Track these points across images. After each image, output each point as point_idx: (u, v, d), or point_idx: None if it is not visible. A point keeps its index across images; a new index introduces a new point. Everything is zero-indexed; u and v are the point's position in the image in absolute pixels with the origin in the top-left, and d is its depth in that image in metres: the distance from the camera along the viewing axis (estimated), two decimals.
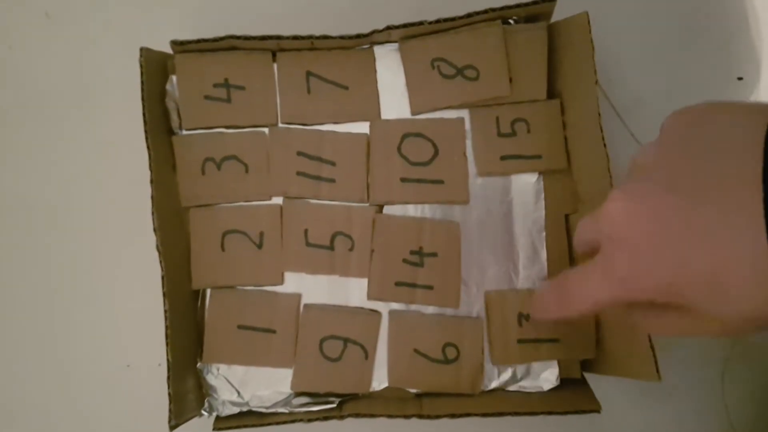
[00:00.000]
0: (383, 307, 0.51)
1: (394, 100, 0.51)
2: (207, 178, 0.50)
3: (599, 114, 0.46)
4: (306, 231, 0.50)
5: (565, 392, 0.50)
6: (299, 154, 0.51)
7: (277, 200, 0.51)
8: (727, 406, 0.55)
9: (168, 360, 0.46)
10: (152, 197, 0.47)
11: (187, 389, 0.48)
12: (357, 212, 0.51)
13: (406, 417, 0.47)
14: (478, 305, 0.51)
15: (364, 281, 0.51)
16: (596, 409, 0.46)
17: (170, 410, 0.45)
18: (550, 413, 0.46)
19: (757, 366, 0.55)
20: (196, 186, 0.51)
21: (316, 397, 0.50)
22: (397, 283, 0.50)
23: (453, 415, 0.46)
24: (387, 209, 0.51)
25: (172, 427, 0.45)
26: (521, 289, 0.51)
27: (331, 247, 0.50)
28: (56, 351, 0.56)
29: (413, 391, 0.50)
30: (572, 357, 0.50)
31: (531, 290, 0.50)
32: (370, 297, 0.50)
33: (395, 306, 0.51)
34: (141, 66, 0.48)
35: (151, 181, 0.47)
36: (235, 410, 0.50)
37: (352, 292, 0.51)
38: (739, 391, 0.55)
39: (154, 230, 0.47)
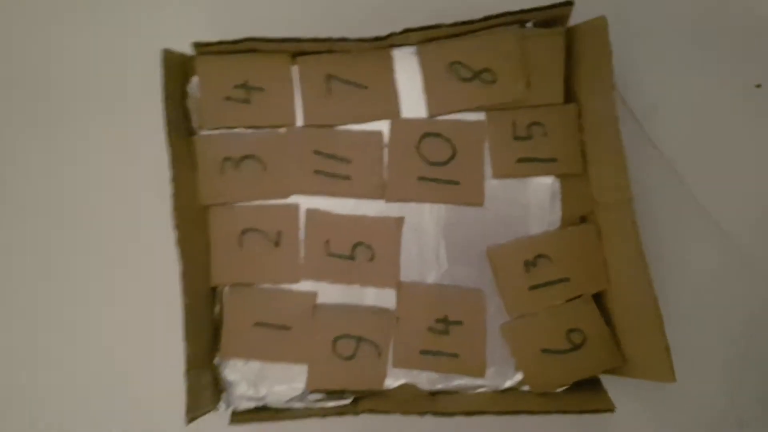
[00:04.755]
0: None
1: (412, 103, 0.52)
2: (226, 177, 0.51)
3: (617, 117, 0.47)
4: (327, 241, 0.51)
5: (579, 392, 0.50)
6: (315, 152, 0.51)
7: (295, 199, 0.52)
8: (736, 409, 0.55)
9: (186, 354, 0.46)
10: (172, 195, 0.48)
11: (203, 384, 0.49)
12: (378, 222, 0.51)
13: (421, 414, 0.47)
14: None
15: None
16: (610, 409, 0.46)
17: (187, 404, 0.45)
18: (564, 412, 0.46)
19: None
20: (215, 184, 0.51)
21: (331, 393, 0.50)
22: (422, 352, 0.50)
23: (467, 413, 0.46)
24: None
25: (188, 420, 0.45)
26: (524, 239, 0.51)
27: (352, 257, 0.51)
28: (75, 346, 0.57)
29: (425, 389, 0.51)
30: (586, 291, 0.50)
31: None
32: (395, 365, 0.50)
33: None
34: (162, 67, 0.48)
35: (172, 180, 0.48)
36: (251, 405, 0.50)
37: (367, 292, 0.51)
38: (750, 396, 0.55)
39: (174, 227, 0.47)
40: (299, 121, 0.52)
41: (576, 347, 0.50)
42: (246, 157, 0.51)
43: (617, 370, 0.50)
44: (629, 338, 0.49)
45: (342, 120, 0.52)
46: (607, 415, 0.46)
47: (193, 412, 0.46)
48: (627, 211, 0.46)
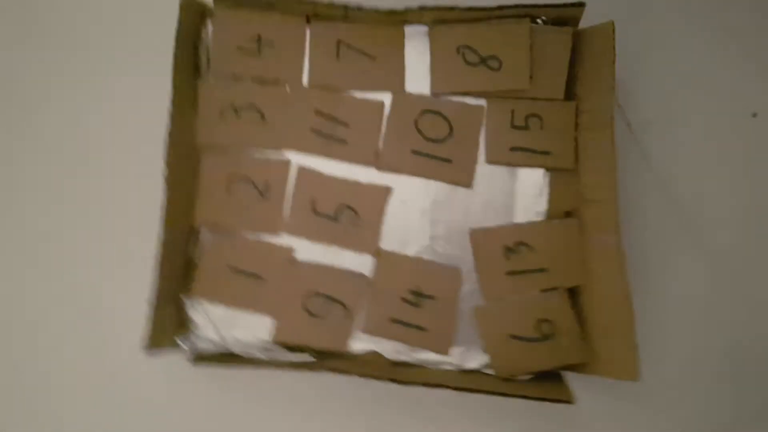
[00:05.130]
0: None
1: (416, 79, 0.53)
2: (225, 122, 0.52)
3: (613, 120, 0.48)
4: (314, 200, 0.51)
5: (541, 382, 0.49)
6: (316, 112, 0.52)
7: (288, 154, 0.52)
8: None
9: (156, 288, 0.46)
10: (168, 133, 0.48)
11: (167, 319, 0.48)
12: (366, 189, 0.52)
13: (380, 379, 0.46)
14: None
15: None
16: (569, 400, 0.46)
17: (149, 334, 0.45)
18: (524, 397, 0.46)
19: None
20: (213, 127, 0.52)
21: (294, 347, 0.50)
22: (392, 320, 0.50)
23: (427, 384, 0.46)
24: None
25: (147, 349, 0.45)
26: (507, 225, 0.51)
27: (336, 219, 0.51)
28: (55, 275, 0.57)
29: (390, 358, 0.50)
30: (562, 284, 0.50)
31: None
32: (365, 330, 0.50)
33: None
34: (180, 9, 0.49)
35: (171, 116, 0.48)
36: (213, 348, 0.50)
37: (345, 254, 0.51)
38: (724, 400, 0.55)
39: (165, 164, 0.47)
40: (304, 81, 0.53)
41: (544, 337, 0.49)
42: (247, 106, 0.52)
43: (581, 366, 0.49)
44: (599, 335, 0.49)
45: (347, 85, 0.53)
46: (571, 410, 0.46)
47: (153, 343, 0.45)
48: (611, 211, 0.47)
